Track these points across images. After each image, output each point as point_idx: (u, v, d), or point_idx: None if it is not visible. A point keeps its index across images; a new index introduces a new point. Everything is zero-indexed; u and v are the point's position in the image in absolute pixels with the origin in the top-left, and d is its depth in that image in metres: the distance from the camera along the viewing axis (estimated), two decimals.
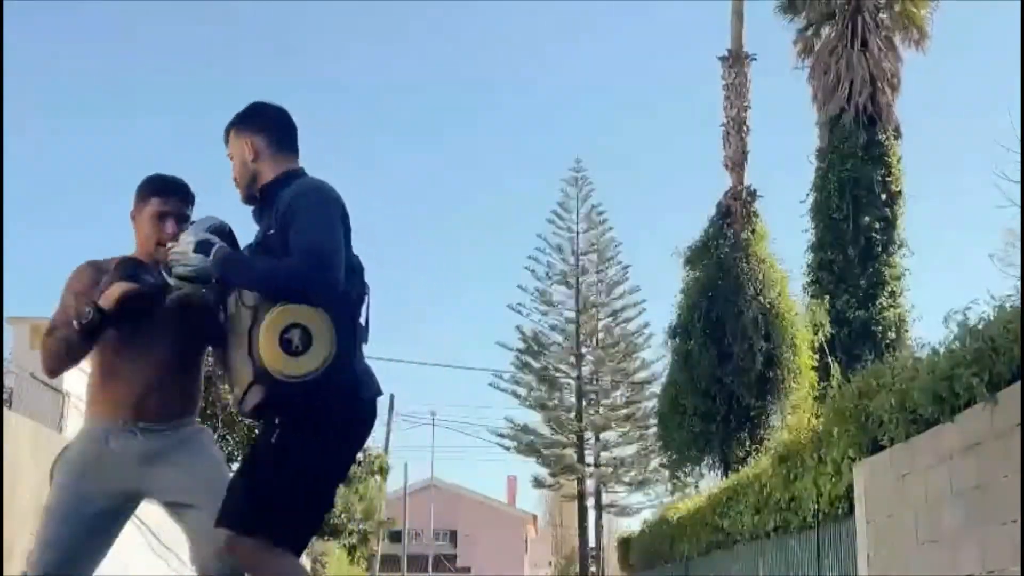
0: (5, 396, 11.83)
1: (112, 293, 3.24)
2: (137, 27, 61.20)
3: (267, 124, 3.29)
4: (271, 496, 3.02)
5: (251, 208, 3.29)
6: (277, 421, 3.06)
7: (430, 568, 45.57)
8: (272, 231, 3.07)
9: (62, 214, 66.89)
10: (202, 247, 3.08)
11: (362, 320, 3.18)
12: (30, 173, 55.61)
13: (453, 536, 49.54)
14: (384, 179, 71.48)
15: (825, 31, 19.72)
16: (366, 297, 3.21)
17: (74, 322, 3.25)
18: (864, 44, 18.85)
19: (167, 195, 3.44)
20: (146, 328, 3.32)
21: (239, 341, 3.07)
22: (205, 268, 3.07)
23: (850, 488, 6.57)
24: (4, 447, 8.35)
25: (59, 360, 3.36)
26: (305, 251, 2.95)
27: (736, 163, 17.84)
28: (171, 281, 3.18)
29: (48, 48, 60.04)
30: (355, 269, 3.14)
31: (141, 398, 3.37)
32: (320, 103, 68.91)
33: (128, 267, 3.32)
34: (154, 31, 62.07)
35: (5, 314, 13.26)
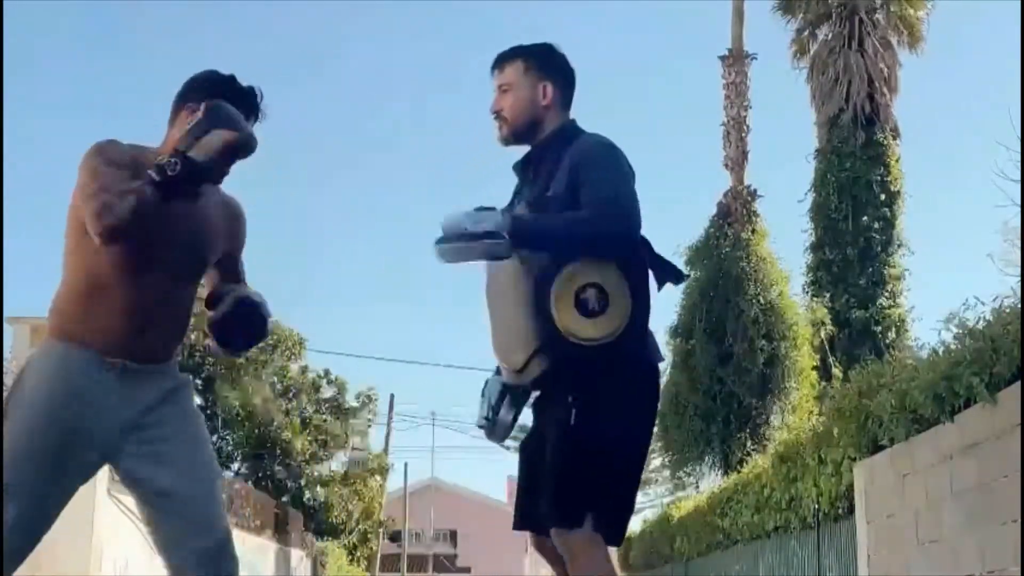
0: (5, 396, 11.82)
1: (212, 141, 2.65)
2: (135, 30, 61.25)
3: (563, 72, 3.04)
4: (581, 481, 2.77)
5: (513, 164, 3.06)
6: (571, 399, 2.80)
7: (430, 568, 45.55)
8: (550, 192, 2.85)
9: (62, 213, 66.81)
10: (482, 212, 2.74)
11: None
12: (31, 172, 55.63)
13: (453, 536, 49.51)
14: (385, 179, 71.52)
15: (822, 32, 19.73)
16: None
17: (151, 172, 2.63)
18: (861, 45, 18.87)
19: (249, 107, 2.90)
20: (160, 236, 2.75)
21: (519, 299, 2.82)
22: (499, 227, 2.68)
23: (850, 488, 6.58)
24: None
25: (122, 217, 2.61)
26: (603, 200, 2.73)
27: (736, 163, 17.83)
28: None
29: (48, 46, 60.06)
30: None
31: (137, 328, 2.80)
32: (319, 106, 69.04)
33: (220, 113, 2.70)
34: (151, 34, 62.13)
35: (5, 314, 13.28)
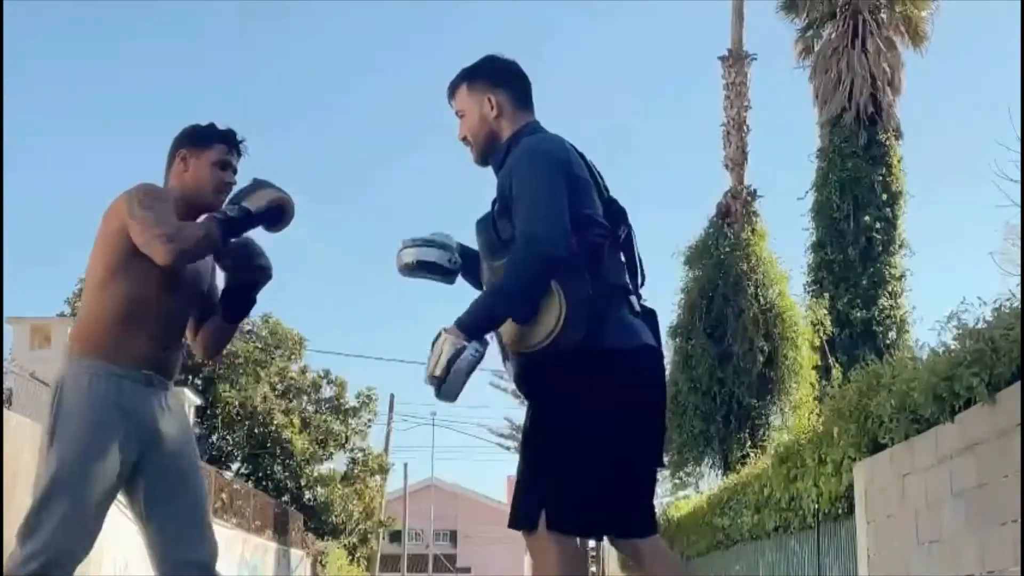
0: (5, 396, 11.83)
1: (265, 195, 3.16)
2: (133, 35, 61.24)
3: (507, 78, 3.08)
4: (532, 481, 2.80)
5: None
6: (528, 402, 2.90)
7: (430, 568, 45.56)
8: (497, 203, 2.92)
9: (63, 213, 66.94)
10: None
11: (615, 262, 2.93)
12: (31, 172, 55.68)
13: (453, 536, 49.53)
14: (384, 179, 71.53)
15: (826, 31, 19.71)
16: (627, 238, 3.00)
17: (218, 214, 3.11)
18: (864, 44, 18.85)
19: (231, 145, 3.32)
20: (183, 269, 3.16)
21: None
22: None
23: (850, 488, 6.58)
24: (4, 447, 8.36)
25: (192, 243, 3.03)
26: (516, 241, 2.78)
27: (736, 163, 17.83)
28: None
29: (48, 52, 60.09)
30: (593, 218, 2.89)
31: (163, 345, 3.17)
32: (315, 107, 69.06)
33: (257, 182, 3.22)
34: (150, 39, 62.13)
35: (5, 314, 13.28)
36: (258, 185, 3.18)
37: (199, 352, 3.44)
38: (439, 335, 2.75)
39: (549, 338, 2.75)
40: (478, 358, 2.75)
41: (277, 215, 3.19)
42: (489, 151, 3.05)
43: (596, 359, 2.79)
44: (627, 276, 2.97)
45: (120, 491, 3.08)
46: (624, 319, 2.88)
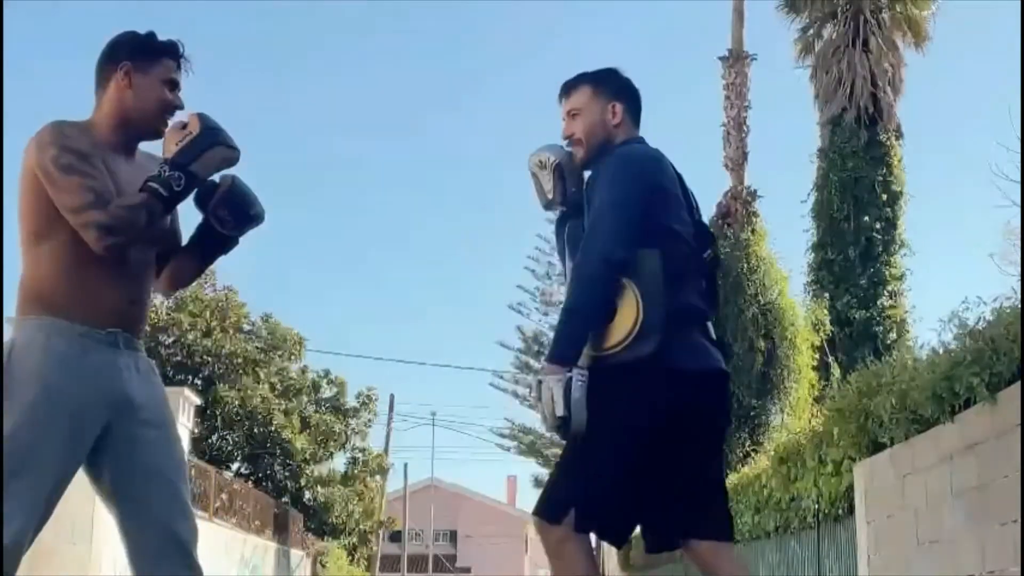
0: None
1: (214, 158, 2.72)
2: None
3: (629, 91, 3.20)
4: (565, 475, 2.92)
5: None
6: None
7: (430, 568, 45.54)
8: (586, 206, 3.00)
9: None
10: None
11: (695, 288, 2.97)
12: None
13: (453, 536, 49.50)
14: (386, 179, 71.49)
15: (826, 31, 19.69)
16: (712, 263, 3.09)
17: (155, 185, 2.65)
18: (866, 44, 18.82)
19: (178, 60, 2.87)
20: None
21: None
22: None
23: (850, 488, 6.57)
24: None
25: (128, 235, 2.63)
26: (581, 244, 2.89)
27: (736, 163, 17.83)
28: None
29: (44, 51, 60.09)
30: (679, 233, 2.95)
31: (128, 299, 2.76)
32: (313, 105, 69.00)
33: (218, 133, 2.73)
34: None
35: (5, 314, 13.26)
36: (209, 139, 2.71)
37: (161, 288, 3.04)
38: (540, 382, 2.81)
39: (626, 341, 2.80)
40: (585, 380, 2.80)
41: (228, 195, 2.85)
42: (599, 155, 3.09)
43: (662, 375, 2.83)
44: (705, 302, 3.02)
45: (82, 465, 2.69)
46: (695, 341, 2.93)
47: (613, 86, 3.17)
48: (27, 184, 2.70)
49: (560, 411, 2.74)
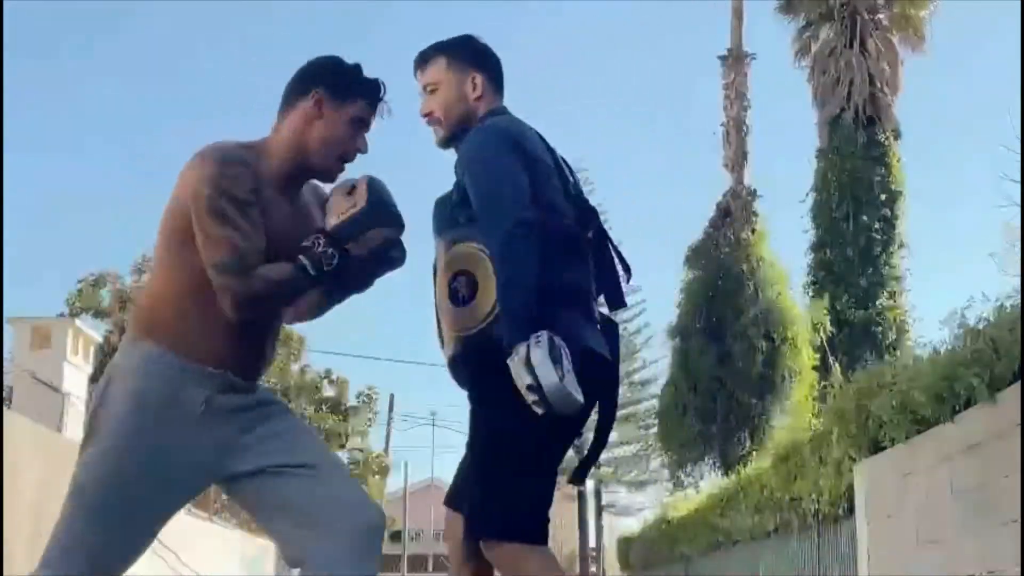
0: (5, 396, 11.83)
1: (374, 240, 2.51)
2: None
3: (488, 59, 2.89)
4: (485, 479, 2.61)
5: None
6: (467, 395, 2.71)
7: (430, 568, 45.54)
8: (455, 191, 2.73)
9: (64, 212, 66.88)
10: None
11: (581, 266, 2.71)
12: (32, 170, 55.65)
13: None
14: (386, 179, 71.40)
15: (824, 31, 19.71)
16: (597, 240, 2.79)
17: (305, 262, 2.42)
18: (863, 45, 18.85)
19: (376, 101, 2.61)
20: (279, 236, 2.49)
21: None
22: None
23: (850, 488, 6.57)
24: (4, 447, 8.35)
25: (263, 307, 2.45)
26: (480, 216, 2.60)
27: (736, 163, 17.86)
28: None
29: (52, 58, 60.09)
30: (555, 205, 2.68)
31: (238, 337, 2.47)
32: None
33: (385, 210, 2.52)
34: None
35: (5, 314, 13.28)
36: (373, 219, 2.50)
37: (289, 318, 2.78)
38: (513, 370, 2.45)
39: (482, 324, 2.57)
40: (540, 337, 2.44)
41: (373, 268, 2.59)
42: (461, 132, 2.81)
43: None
44: (591, 281, 2.75)
45: (192, 500, 2.47)
46: (570, 322, 2.60)
47: (469, 55, 2.86)
48: (176, 199, 2.47)
49: (557, 375, 2.40)
